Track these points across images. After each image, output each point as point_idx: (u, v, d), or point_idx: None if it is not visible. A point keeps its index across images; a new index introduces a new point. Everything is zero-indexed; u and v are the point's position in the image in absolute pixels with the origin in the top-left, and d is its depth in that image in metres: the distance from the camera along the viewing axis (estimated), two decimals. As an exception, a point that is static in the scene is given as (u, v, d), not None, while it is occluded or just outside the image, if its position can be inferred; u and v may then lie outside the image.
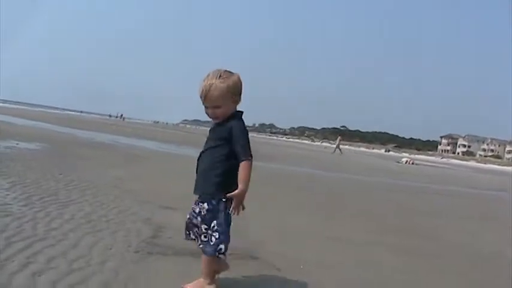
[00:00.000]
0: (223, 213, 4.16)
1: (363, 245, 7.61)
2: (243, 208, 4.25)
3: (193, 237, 4.44)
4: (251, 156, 4.15)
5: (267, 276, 5.37)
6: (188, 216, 4.43)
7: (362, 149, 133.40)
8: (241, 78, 4.24)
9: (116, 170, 13.05)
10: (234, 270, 5.24)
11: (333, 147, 73.49)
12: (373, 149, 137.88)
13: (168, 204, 8.65)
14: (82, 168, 12.44)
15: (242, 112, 4.30)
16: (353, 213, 11.16)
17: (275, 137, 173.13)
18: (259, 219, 8.44)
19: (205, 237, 4.23)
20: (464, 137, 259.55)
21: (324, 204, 12.28)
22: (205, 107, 4.22)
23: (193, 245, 6.14)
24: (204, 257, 4.33)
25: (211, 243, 4.18)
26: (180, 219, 7.52)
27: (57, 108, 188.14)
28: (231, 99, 4.19)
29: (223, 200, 4.14)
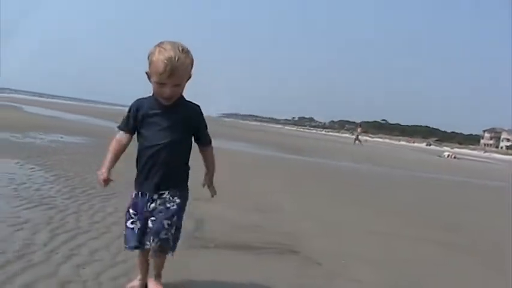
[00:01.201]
0: (184, 207, 3.89)
1: (406, 240, 7.54)
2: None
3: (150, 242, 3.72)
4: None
5: (308, 271, 5.35)
6: (137, 221, 3.81)
7: (402, 142, 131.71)
8: None
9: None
10: (275, 265, 5.24)
11: (375, 141, 72.67)
12: (413, 142, 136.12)
13: (207, 197, 8.64)
14: (125, 162, 12.53)
15: None
16: (396, 208, 11.07)
17: (314, 131, 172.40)
18: (299, 213, 8.43)
19: (165, 234, 3.65)
20: (508, 130, 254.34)
21: (365, 198, 12.20)
22: (159, 85, 3.56)
23: (234, 237, 6.21)
24: (161, 255, 3.86)
25: (171, 238, 3.71)
26: (220, 212, 7.60)
27: (105, 103, 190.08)
28: (187, 77, 3.67)
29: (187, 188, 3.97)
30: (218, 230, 6.46)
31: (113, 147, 3.86)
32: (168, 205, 3.72)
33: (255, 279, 4.82)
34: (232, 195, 9.27)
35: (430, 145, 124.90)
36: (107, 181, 3.75)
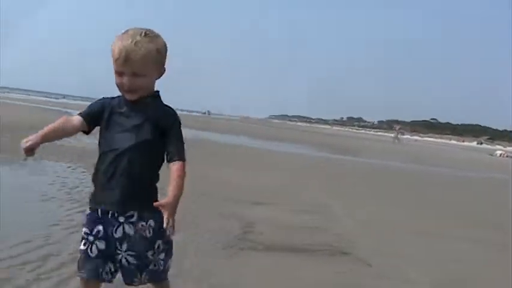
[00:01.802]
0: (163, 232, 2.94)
1: (455, 240, 7.43)
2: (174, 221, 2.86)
3: (110, 273, 2.96)
4: (185, 157, 3.00)
5: (359, 272, 5.32)
6: (100, 248, 2.92)
7: (453, 141, 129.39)
8: None
9: (203, 166, 13.24)
10: (325, 267, 5.22)
11: (425, 140, 71.87)
12: (463, 141, 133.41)
13: (256, 200, 8.71)
14: (164, 164, 12.64)
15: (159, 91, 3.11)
16: (443, 207, 10.93)
17: (363, 131, 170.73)
18: (347, 214, 8.39)
19: (155, 265, 2.99)
20: None
21: (413, 198, 12.08)
22: (117, 74, 2.92)
23: (283, 239, 6.20)
24: (163, 284, 3.18)
25: (162, 268, 3.05)
26: (269, 214, 7.61)
27: None
28: (157, 68, 2.99)
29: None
30: (267, 231, 6.46)
31: (57, 121, 2.99)
32: (145, 233, 2.92)
33: (306, 281, 4.82)
34: (280, 197, 9.29)
35: (481, 144, 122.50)
36: (29, 150, 2.80)
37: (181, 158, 2.94)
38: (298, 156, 22.31)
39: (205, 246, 5.67)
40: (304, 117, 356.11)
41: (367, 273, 5.29)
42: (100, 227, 2.91)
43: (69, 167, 10.12)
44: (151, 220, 2.92)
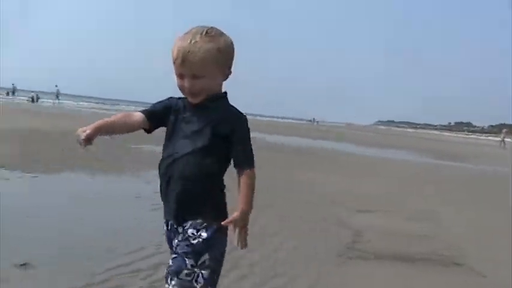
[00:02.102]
0: (219, 243, 2.74)
1: None
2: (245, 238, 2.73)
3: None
4: (254, 164, 2.74)
5: (473, 283, 5.10)
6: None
7: None
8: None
9: (310, 173, 13.21)
10: (438, 278, 5.03)
11: None
12: None
13: (365, 207, 8.58)
14: (278, 172, 12.70)
15: (227, 93, 2.87)
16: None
17: (473, 136, 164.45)
18: (457, 222, 8.12)
19: (188, 275, 2.63)
20: None
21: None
22: (178, 77, 2.74)
23: (394, 248, 6.03)
24: None
25: (198, 286, 2.64)
26: (378, 222, 7.44)
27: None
28: (221, 69, 2.77)
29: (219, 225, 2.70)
30: (375, 239, 6.32)
31: (117, 115, 2.88)
32: (193, 241, 2.65)
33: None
34: (386, 204, 9.11)
35: None
36: (87, 141, 2.61)
37: (248, 165, 2.70)
38: (405, 162, 21.83)
39: (314, 253, 5.62)
40: (411, 123, 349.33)
41: (482, 285, 5.05)
42: (169, 240, 2.81)
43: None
44: (203, 230, 2.66)
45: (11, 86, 59.23)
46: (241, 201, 2.67)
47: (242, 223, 2.66)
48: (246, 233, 2.70)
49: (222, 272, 4.61)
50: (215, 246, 2.67)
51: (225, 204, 2.79)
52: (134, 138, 16.82)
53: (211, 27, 2.77)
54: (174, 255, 2.68)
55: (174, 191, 2.69)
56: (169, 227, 2.77)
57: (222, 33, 2.78)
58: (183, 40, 2.69)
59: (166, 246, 5.23)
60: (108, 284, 4.12)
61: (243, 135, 2.72)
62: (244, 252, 5.28)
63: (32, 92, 59.09)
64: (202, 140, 2.66)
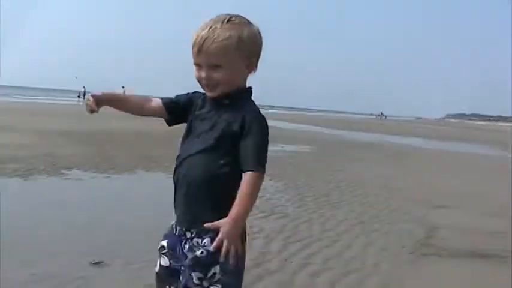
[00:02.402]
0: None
1: None
2: (236, 248, 2.21)
3: None
4: (263, 168, 2.30)
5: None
6: (162, 264, 2.47)
7: None
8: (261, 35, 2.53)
9: (383, 169, 13.10)
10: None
11: None
12: None
13: (439, 202, 8.41)
14: (350, 168, 12.67)
15: (252, 89, 2.54)
16: None
17: None
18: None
19: None
20: None
21: None
22: (196, 66, 2.46)
23: (470, 245, 5.88)
24: None
25: None
26: (454, 218, 7.28)
27: (310, 110, 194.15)
28: (242, 61, 2.43)
29: None
30: (452, 237, 6.18)
31: (137, 96, 2.76)
32: (197, 252, 2.32)
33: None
34: (464, 200, 8.89)
35: None
36: (94, 104, 2.45)
37: (254, 168, 2.26)
38: (480, 157, 21.27)
39: (387, 250, 5.55)
40: (483, 115, 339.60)
41: None
42: (164, 243, 2.47)
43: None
44: (207, 239, 2.29)
45: (82, 89, 60.77)
46: (235, 206, 2.20)
47: (229, 230, 2.17)
48: (231, 245, 2.18)
49: (297, 267, 4.67)
50: (217, 259, 2.25)
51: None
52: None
53: (237, 15, 2.48)
54: (182, 269, 2.38)
55: (181, 196, 2.42)
56: (176, 232, 2.43)
57: (247, 23, 2.47)
58: (203, 27, 2.42)
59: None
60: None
61: (254, 134, 2.31)
62: (318, 249, 5.31)
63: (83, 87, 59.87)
64: (211, 140, 2.36)
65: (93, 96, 2.46)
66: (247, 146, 2.28)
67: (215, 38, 2.34)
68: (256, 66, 2.49)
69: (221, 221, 2.17)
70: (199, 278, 2.29)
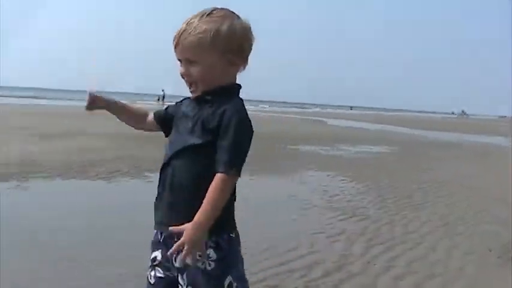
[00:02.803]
0: (238, 257, 2.24)
1: None
2: (200, 255, 2.10)
3: None
4: (237, 170, 2.11)
5: None
6: (158, 276, 2.28)
7: None
8: (251, 31, 2.32)
9: (467, 168, 12.77)
10: None
11: None
12: None
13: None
14: (433, 168, 12.42)
15: (240, 86, 2.35)
16: None
17: None
18: None
19: None
20: None
21: None
22: (179, 63, 2.32)
23: None
24: None
25: None
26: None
27: (387, 110, 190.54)
28: (222, 56, 2.24)
29: (233, 234, 2.24)
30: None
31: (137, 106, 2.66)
32: (202, 266, 2.14)
33: None
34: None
35: None
36: (90, 102, 2.41)
37: (224, 170, 2.08)
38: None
39: (472, 253, 5.40)
40: None
41: None
42: (157, 253, 2.27)
43: (329, 175, 10.34)
44: (210, 250, 2.14)
45: (161, 93, 61.83)
46: (201, 208, 2.06)
47: (189, 236, 2.04)
48: (190, 250, 2.04)
49: (380, 270, 4.62)
50: (232, 262, 2.18)
51: (229, 213, 2.23)
52: (290, 139, 17.15)
53: (223, 8, 2.30)
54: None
55: (165, 199, 2.26)
56: (161, 239, 2.26)
57: (232, 16, 2.27)
58: (185, 20, 2.29)
59: (319, 245, 5.33)
60: (264, 284, 4.20)
61: (230, 133, 2.12)
62: (401, 251, 5.23)
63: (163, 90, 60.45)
64: (193, 138, 2.20)
65: (90, 94, 2.39)
66: (221, 146, 2.12)
67: (191, 32, 2.21)
68: (244, 62, 2.31)
69: (185, 225, 2.05)
70: None
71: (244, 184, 8.85)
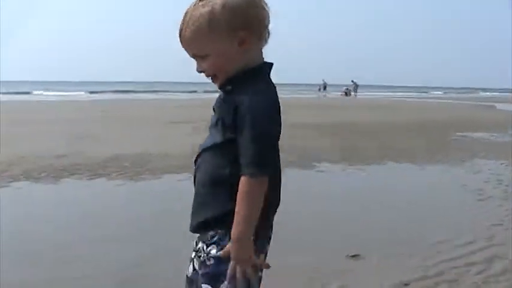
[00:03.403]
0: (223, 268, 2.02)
1: None
2: (258, 268, 1.96)
3: None
4: (264, 168, 1.87)
5: None
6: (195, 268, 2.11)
7: None
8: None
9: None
10: None
11: None
12: None
13: None
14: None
15: (268, 65, 2.05)
16: None
17: None
18: None
19: None
20: None
21: None
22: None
23: None
24: None
25: None
26: None
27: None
28: (228, 36, 1.94)
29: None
30: None
31: None
32: (202, 259, 2.03)
33: None
34: None
35: None
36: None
37: (248, 171, 1.85)
38: None
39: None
40: None
41: None
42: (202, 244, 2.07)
43: (502, 163, 9.76)
44: (212, 246, 1.99)
45: (322, 82, 62.11)
46: (234, 222, 1.88)
47: (235, 254, 1.88)
48: (243, 269, 1.90)
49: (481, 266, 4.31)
50: (217, 273, 1.99)
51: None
52: (459, 126, 16.41)
53: None
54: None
55: (195, 195, 2.11)
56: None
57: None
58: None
59: (498, 238, 5.07)
60: (442, 278, 4.08)
61: (247, 126, 1.86)
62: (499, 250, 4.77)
63: (351, 83, 59.57)
64: (215, 136, 2.00)
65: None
66: (239, 144, 1.88)
67: (187, 24, 1.96)
68: (261, 34, 1.99)
69: (228, 246, 1.91)
70: None
71: (413, 173, 8.78)
